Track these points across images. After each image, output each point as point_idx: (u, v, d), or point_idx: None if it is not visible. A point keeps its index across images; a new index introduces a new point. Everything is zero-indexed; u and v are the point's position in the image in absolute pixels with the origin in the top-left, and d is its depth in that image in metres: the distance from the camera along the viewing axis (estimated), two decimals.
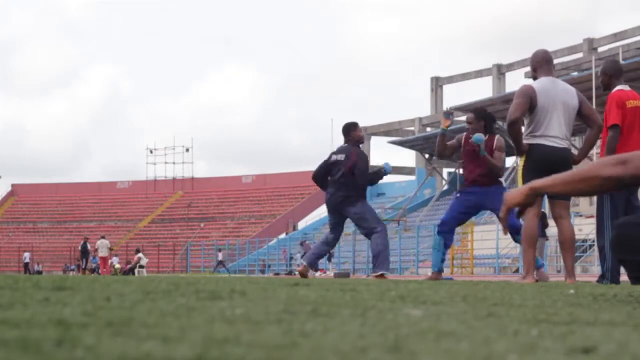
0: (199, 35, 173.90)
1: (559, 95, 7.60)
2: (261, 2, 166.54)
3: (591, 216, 32.91)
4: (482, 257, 38.27)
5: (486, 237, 37.72)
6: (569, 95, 7.67)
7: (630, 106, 8.09)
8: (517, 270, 34.85)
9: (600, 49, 51.50)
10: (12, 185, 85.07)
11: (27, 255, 53.73)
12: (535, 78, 7.77)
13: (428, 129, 63.40)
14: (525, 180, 7.70)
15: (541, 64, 7.77)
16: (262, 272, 51.51)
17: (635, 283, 6.56)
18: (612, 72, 8.30)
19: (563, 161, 7.60)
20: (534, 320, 2.29)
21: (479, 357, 1.47)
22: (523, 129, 7.73)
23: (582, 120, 7.81)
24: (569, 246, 7.83)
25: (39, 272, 50.71)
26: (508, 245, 40.04)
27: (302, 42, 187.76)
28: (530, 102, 7.56)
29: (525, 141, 7.70)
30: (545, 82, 7.64)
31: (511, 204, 3.17)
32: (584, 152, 7.91)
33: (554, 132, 7.57)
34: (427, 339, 1.72)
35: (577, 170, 3.25)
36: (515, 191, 3.20)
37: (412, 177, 68.63)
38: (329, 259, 47.89)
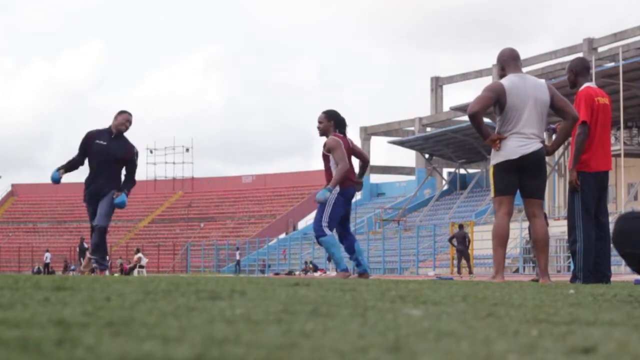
0: (198, 35, 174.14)
1: (529, 92, 7.54)
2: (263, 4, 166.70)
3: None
4: (482, 257, 38.26)
5: (486, 237, 37.67)
6: (540, 90, 7.61)
7: (599, 103, 8.13)
8: (517, 270, 34.86)
9: (600, 49, 51.51)
10: (12, 185, 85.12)
11: (48, 255, 53.10)
12: (503, 77, 7.72)
13: (428, 129, 63.39)
14: (497, 178, 7.65)
15: (508, 61, 7.72)
16: (262, 272, 51.53)
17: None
18: (578, 70, 8.33)
19: (533, 160, 7.56)
20: (534, 320, 2.29)
21: (479, 357, 1.47)
22: (497, 126, 7.67)
23: (557, 114, 7.77)
24: (543, 245, 7.80)
25: (53, 272, 50.40)
26: (508, 245, 39.98)
27: (301, 42, 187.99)
28: (496, 99, 7.51)
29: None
30: (514, 79, 7.59)
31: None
32: (557, 143, 7.89)
33: (525, 129, 7.52)
34: (427, 339, 1.72)
35: None
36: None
37: (412, 177, 68.61)
38: (329, 259, 47.79)
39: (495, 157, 7.62)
